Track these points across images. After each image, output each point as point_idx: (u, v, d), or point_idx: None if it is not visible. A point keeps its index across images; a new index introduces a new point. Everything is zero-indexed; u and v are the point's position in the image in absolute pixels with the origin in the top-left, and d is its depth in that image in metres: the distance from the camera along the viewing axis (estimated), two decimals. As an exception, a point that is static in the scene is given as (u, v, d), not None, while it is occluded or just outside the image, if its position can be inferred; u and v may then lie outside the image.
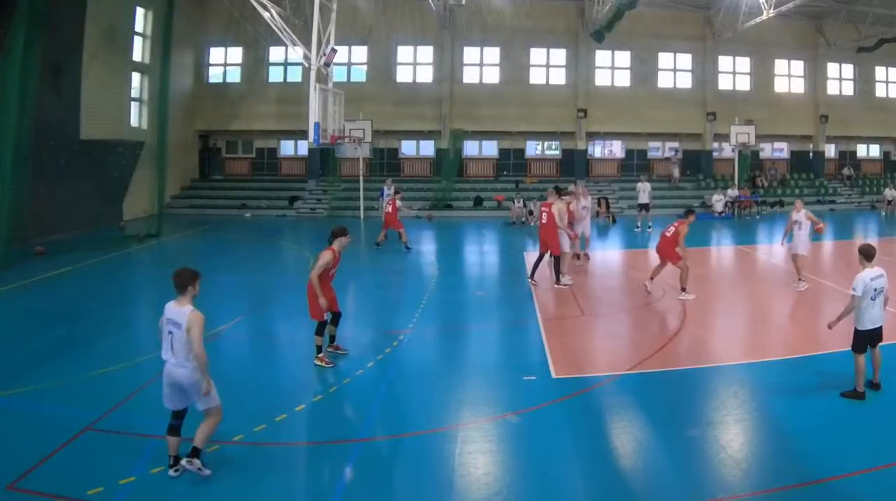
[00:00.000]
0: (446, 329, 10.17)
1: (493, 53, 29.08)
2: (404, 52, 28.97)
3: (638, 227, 21.75)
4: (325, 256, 7.84)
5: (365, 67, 28.94)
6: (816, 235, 12.65)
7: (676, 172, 29.85)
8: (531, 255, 13.01)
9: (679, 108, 29.31)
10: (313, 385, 7.56)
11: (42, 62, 15.48)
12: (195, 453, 5.25)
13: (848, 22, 28.23)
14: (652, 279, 11.91)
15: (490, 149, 30.53)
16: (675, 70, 29.79)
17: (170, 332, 5.22)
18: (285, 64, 28.58)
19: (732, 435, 6.23)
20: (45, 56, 15.78)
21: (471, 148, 30.29)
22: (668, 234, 11.75)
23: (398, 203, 17.55)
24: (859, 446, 5.85)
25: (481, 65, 29.16)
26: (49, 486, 5.15)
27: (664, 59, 29.66)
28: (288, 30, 17.76)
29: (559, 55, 29.21)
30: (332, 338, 8.38)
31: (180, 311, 5.20)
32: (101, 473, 5.32)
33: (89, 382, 7.46)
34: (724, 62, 29.93)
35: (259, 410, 6.61)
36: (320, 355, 8.08)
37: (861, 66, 30.56)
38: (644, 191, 21.89)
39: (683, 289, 11.51)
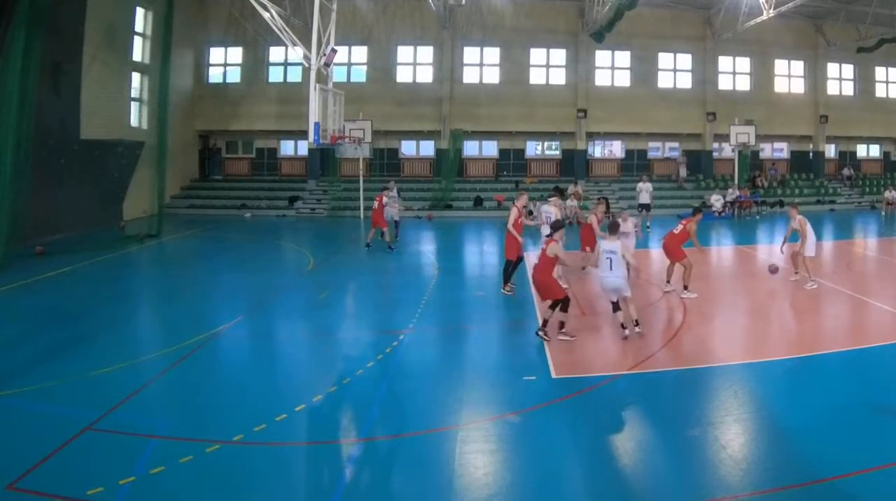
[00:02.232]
0: (446, 329, 10.17)
1: (493, 53, 29.07)
2: (404, 52, 28.97)
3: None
4: (554, 248, 9.16)
5: (365, 67, 28.93)
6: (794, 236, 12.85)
7: (684, 171, 29.77)
8: (531, 256, 12.96)
9: (679, 108, 29.30)
10: (313, 385, 7.55)
11: (42, 62, 15.44)
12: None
13: (848, 22, 28.20)
14: (668, 281, 12.16)
15: (490, 149, 30.52)
16: (675, 70, 29.78)
17: (608, 258, 8.81)
18: (285, 64, 28.58)
19: (732, 435, 6.22)
20: (45, 56, 15.75)
21: (471, 148, 30.28)
22: (677, 232, 11.83)
23: (384, 200, 17.42)
24: (859, 446, 5.84)
25: (481, 65, 29.15)
26: (49, 486, 5.14)
27: (664, 58, 29.65)
28: (288, 30, 17.72)
29: (559, 55, 29.20)
30: (562, 324, 9.07)
31: (614, 244, 8.92)
32: (101, 473, 5.31)
33: (89, 382, 7.46)
34: (724, 62, 29.92)
35: (259, 410, 6.61)
36: (565, 330, 9.03)
37: (861, 66, 30.55)
38: (645, 191, 21.88)
39: (686, 288, 11.56)
